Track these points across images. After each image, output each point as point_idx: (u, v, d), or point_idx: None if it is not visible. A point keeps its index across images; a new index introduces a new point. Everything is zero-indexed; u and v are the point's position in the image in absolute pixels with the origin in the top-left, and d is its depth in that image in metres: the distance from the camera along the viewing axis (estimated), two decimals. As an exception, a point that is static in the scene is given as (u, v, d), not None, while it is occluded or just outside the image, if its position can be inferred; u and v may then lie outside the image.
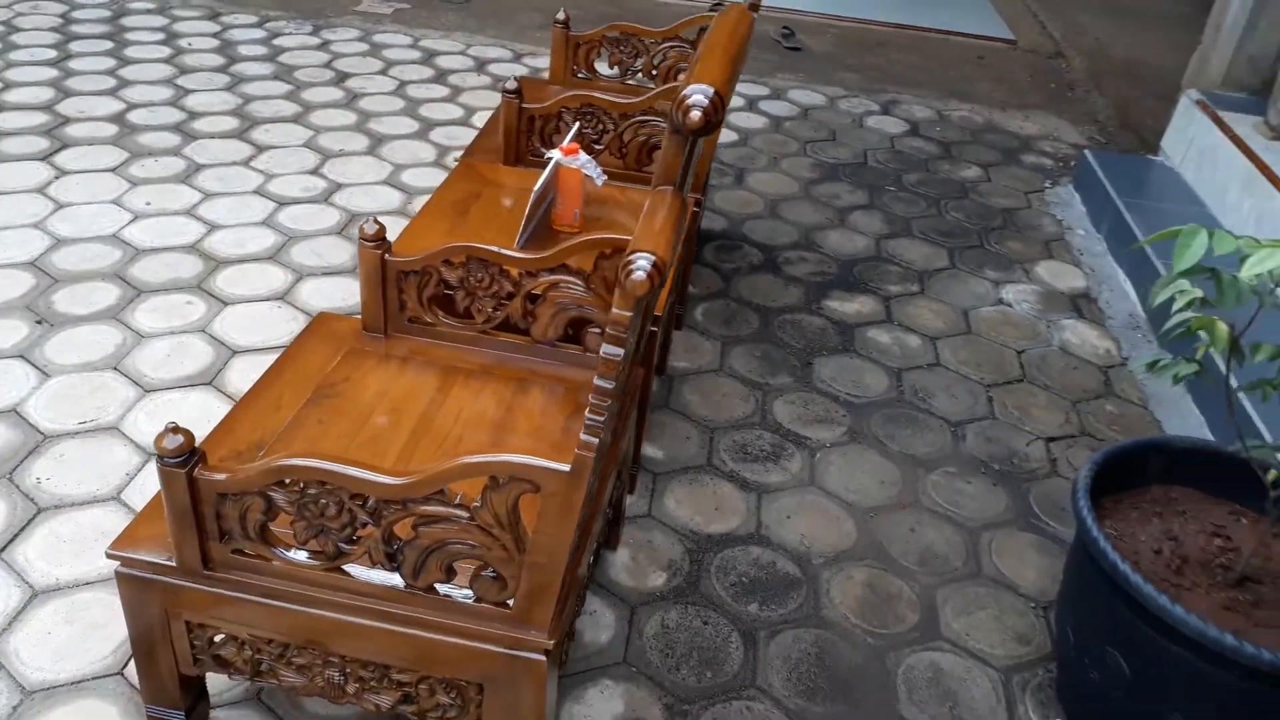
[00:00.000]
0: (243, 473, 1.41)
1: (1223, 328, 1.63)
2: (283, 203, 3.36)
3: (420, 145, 3.84)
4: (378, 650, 1.53)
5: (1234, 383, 2.29)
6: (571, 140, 2.40)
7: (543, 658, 1.49)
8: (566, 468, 1.32)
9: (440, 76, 4.46)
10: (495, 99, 4.30)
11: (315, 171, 3.57)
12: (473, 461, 1.34)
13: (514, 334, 2.01)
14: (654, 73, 3.23)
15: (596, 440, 1.30)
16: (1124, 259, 3.48)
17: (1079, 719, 1.92)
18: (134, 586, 1.55)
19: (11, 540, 2.07)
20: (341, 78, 4.34)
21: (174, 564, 1.51)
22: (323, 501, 1.41)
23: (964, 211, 3.82)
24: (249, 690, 1.83)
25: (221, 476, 1.41)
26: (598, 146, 2.68)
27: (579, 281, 1.93)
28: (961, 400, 2.81)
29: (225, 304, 2.84)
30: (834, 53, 5.30)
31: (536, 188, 2.22)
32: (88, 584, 2.00)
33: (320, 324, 2.07)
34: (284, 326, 2.77)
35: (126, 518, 2.14)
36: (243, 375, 2.58)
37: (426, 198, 3.46)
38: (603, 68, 3.25)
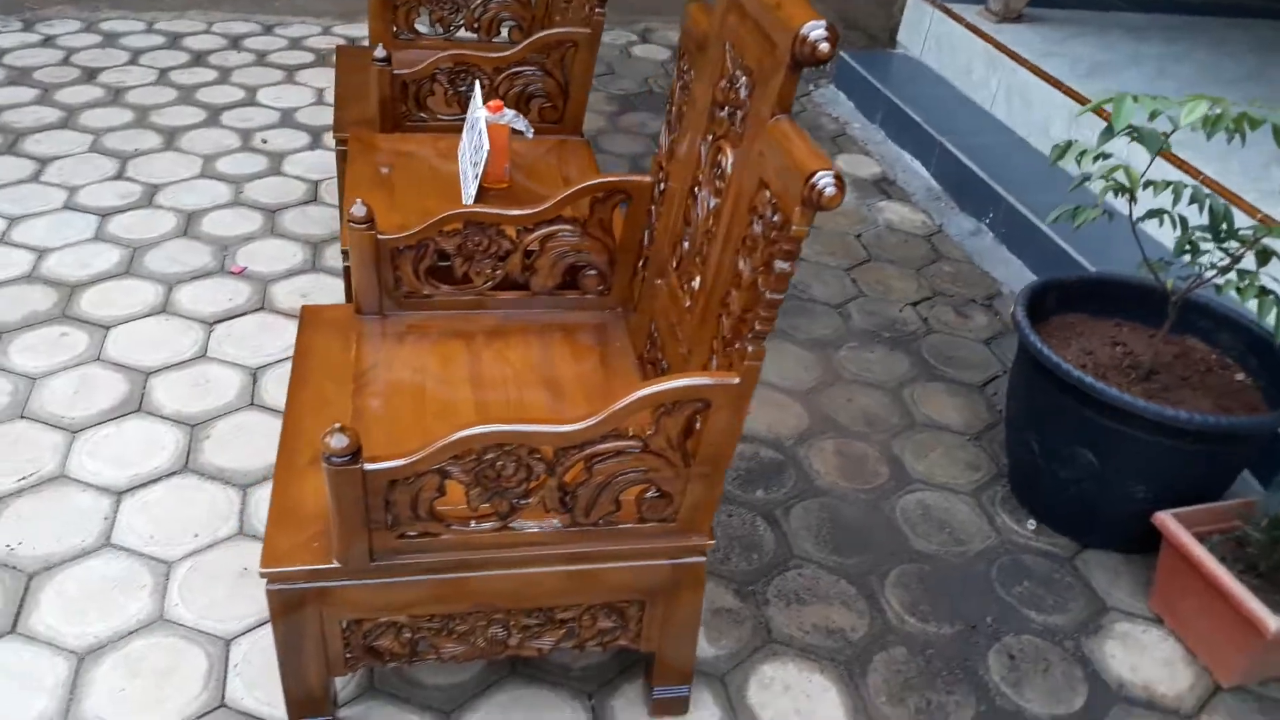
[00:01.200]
0: (417, 455, 1.43)
1: (1135, 171, 2.02)
2: (105, 213, 3.08)
3: (218, 133, 3.61)
4: (547, 594, 1.61)
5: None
6: (488, 98, 2.44)
7: (703, 559, 1.64)
8: (737, 380, 1.47)
9: (198, 59, 4.16)
10: (267, 75, 4.09)
11: (121, 176, 3.29)
12: (651, 392, 1.45)
13: (510, 290, 2.07)
14: (476, 26, 3.26)
15: (763, 349, 1.46)
16: (906, 142, 3.97)
17: (1048, 515, 2.32)
18: (290, 601, 1.52)
19: (18, 614, 1.89)
20: (91, 74, 3.94)
21: (336, 566, 1.50)
22: (499, 464, 1.46)
23: (757, 121, 4.15)
24: (361, 684, 1.83)
25: (399, 463, 1.43)
26: (477, 103, 2.72)
27: (575, 228, 2.03)
28: (833, 286, 3.15)
29: (106, 328, 2.62)
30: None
31: (483, 148, 2.26)
32: (131, 633, 1.88)
33: (310, 317, 2.02)
34: (184, 339, 2.61)
35: (129, 561, 2.01)
36: (171, 394, 2.42)
37: (256, 184, 3.31)
38: (424, 27, 3.24)
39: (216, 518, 2.12)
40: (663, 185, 1.93)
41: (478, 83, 2.50)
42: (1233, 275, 2.05)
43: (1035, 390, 2.23)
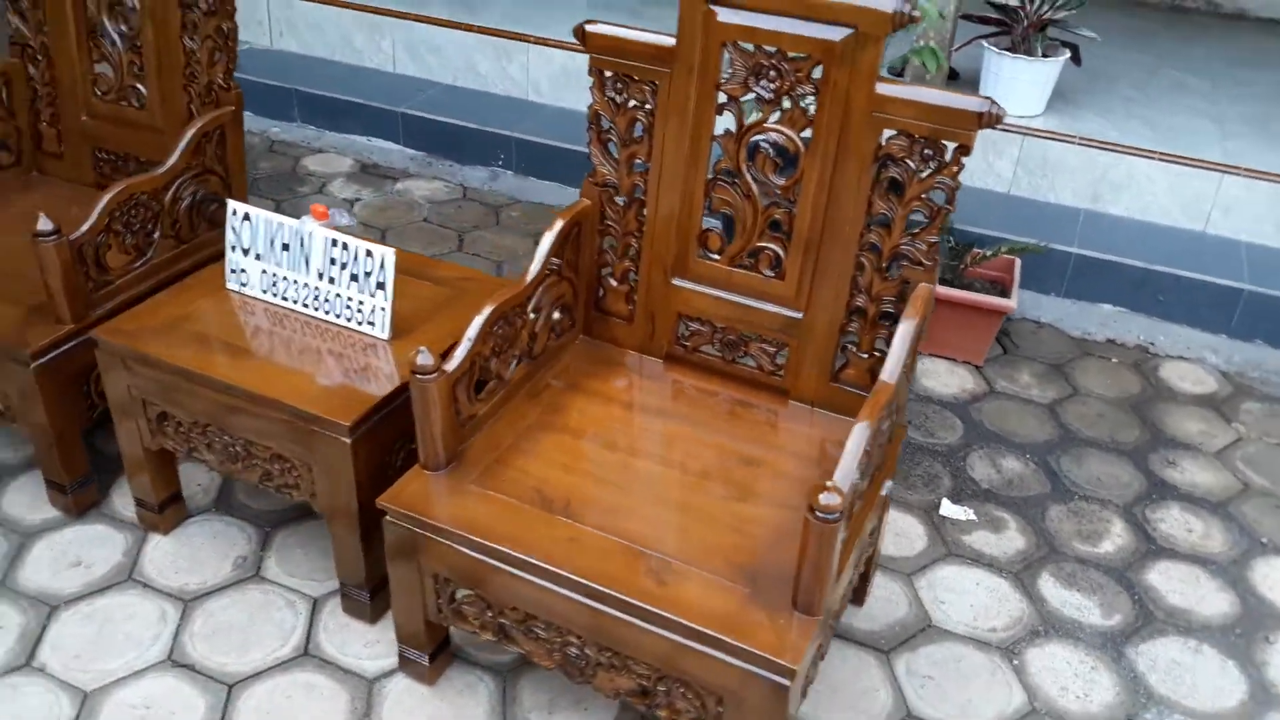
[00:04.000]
0: (849, 478, 1.52)
1: None
2: None
3: None
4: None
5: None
6: (157, 224, 2.14)
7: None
8: (931, 285, 1.81)
9: None
10: None
11: None
12: (917, 324, 1.73)
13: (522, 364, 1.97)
14: None
15: (937, 254, 1.81)
16: (353, 127, 3.94)
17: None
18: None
19: None
20: None
21: (819, 618, 1.53)
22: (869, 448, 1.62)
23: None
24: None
25: (846, 493, 1.50)
26: (157, 235, 2.23)
27: (555, 277, 2.00)
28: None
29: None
30: None
31: (380, 254, 1.96)
32: None
33: (408, 503, 1.70)
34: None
35: None
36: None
37: None
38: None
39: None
40: (623, 199, 2.00)
41: (246, 211, 2.05)
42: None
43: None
